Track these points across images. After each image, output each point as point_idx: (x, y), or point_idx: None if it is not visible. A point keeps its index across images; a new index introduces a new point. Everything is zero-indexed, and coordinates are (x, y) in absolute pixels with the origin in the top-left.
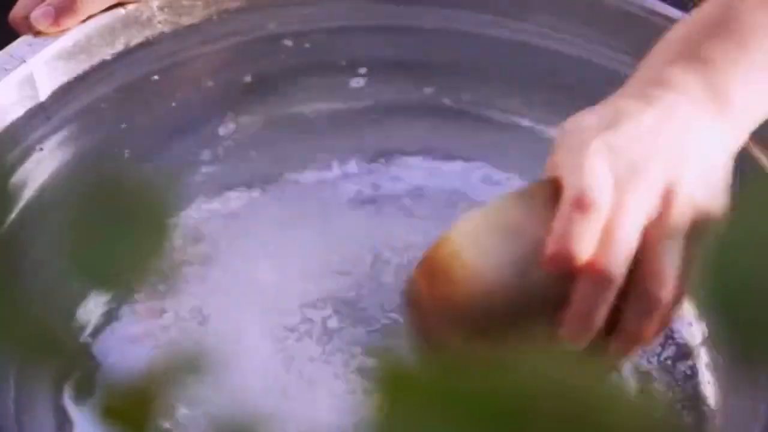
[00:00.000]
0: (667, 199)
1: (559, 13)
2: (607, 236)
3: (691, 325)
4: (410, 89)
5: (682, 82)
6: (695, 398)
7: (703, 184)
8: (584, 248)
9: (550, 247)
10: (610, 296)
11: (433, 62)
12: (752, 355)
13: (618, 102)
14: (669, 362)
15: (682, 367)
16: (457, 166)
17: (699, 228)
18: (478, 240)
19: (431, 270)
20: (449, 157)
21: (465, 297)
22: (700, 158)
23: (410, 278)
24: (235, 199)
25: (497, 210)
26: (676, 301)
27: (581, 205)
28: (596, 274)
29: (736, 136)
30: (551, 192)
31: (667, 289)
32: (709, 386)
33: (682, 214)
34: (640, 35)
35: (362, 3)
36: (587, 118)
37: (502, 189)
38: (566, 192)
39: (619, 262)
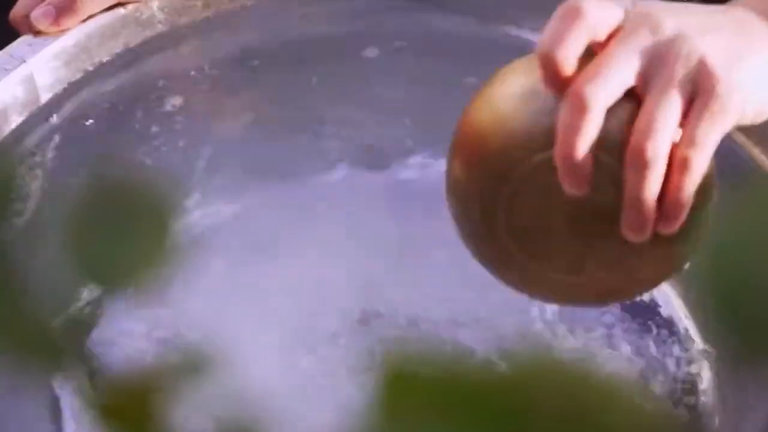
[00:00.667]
0: (671, 46)
1: None
2: (594, 62)
3: (690, 325)
4: None
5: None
6: (694, 398)
7: (731, 63)
8: (566, 55)
9: (539, 50)
10: (588, 125)
11: None
12: (752, 355)
13: None
14: (668, 362)
15: (681, 366)
16: None
17: (706, 100)
18: (501, 100)
19: (462, 141)
20: None
21: (497, 152)
22: (736, 48)
23: (447, 160)
24: (239, 197)
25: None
26: (681, 167)
27: (567, 12)
28: (575, 96)
29: None
30: None
31: (654, 145)
32: (708, 386)
33: (685, 66)
34: None
35: (368, 4)
36: None
37: None
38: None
39: (598, 89)
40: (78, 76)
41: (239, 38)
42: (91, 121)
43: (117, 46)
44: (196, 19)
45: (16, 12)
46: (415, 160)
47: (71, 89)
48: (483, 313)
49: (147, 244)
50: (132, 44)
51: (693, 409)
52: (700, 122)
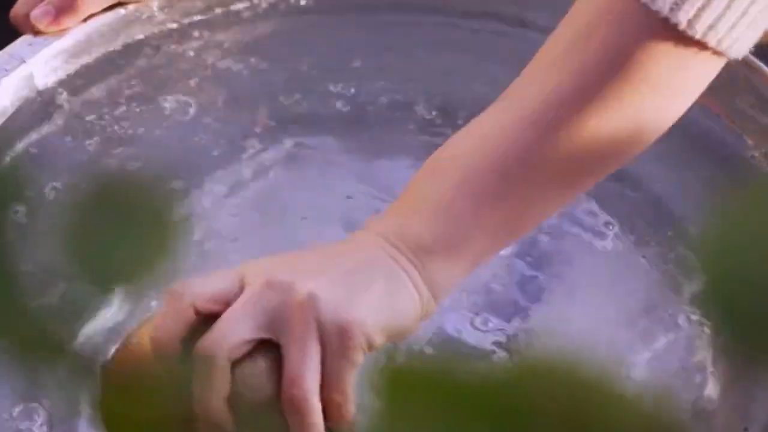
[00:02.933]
0: (287, 294)
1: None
2: (215, 323)
3: (693, 326)
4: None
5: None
6: (696, 398)
7: (348, 301)
8: (163, 336)
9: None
10: (202, 379)
11: None
12: (756, 355)
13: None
14: (670, 362)
15: (683, 366)
16: None
17: (331, 343)
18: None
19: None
20: None
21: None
22: (352, 283)
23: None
24: (243, 195)
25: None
26: (335, 407)
27: (168, 299)
28: (197, 355)
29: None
30: None
31: (302, 391)
32: (711, 386)
33: (305, 313)
34: None
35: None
36: None
37: None
38: None
39: (216, 345)
40: (78, 76)
41: (240, 38)
42: (90, 120)
43: (117, 46)
44: (196, 19)
45: (16, 11)
46: None
47: (71, 89)
48: (484, 313)
49: (147, 243)
50: (132, 44)
51: (695, 409)
52: (334, 369)
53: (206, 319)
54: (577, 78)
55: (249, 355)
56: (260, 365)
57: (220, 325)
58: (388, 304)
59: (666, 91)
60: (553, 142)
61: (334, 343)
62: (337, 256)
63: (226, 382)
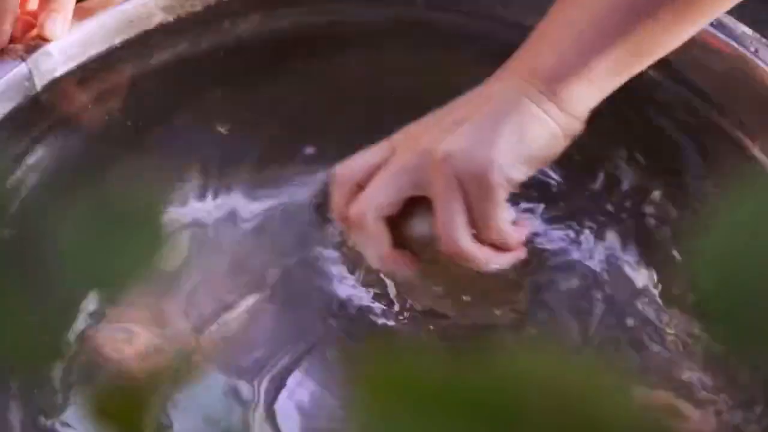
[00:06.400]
0: (427, 156)
1: None
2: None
3: (691, 325)
4: None
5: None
6: (693, 397)
7: (478, 148)
8: (335, 207)
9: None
10: (360, 236)
11: None
12: (754, 355)
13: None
14: (665, 360)
15: (677, 362)
16: None
17: (472, 190)
18: None
19: None
20: None
21: None
22: (480, 131)
23: None
24: (240, 196)
25: None
26: (501, 246)
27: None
28: (347, 221)
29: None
30: None
31: (457, 245)
32: (708, 386)
33: (444, 170)
34: None
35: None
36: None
37: None
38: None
39: (359, 212)
40: (77, 75)
41: (239, 38)
42: (90, 120)
43: (116, 46)
44: (195, 19)
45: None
46: None
47: (70, 89)
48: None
49: (142, 245)
50: (131, 43)
51: (692, 408)
52: (480, 212)
53: None
54: None
55: (407, 211)
56: (417, 215)
57: (367, 189)
58: (519, 137)
59: None
60: None
61: (474, 190)
62: (474, 106)
63: (382, 234)
